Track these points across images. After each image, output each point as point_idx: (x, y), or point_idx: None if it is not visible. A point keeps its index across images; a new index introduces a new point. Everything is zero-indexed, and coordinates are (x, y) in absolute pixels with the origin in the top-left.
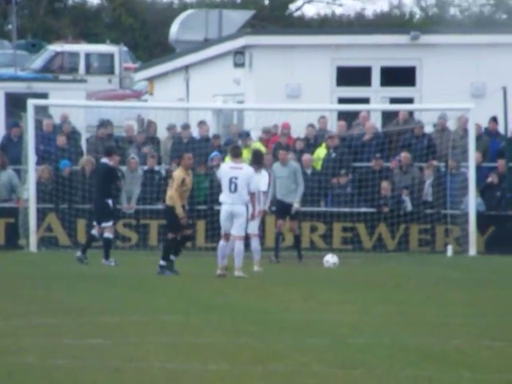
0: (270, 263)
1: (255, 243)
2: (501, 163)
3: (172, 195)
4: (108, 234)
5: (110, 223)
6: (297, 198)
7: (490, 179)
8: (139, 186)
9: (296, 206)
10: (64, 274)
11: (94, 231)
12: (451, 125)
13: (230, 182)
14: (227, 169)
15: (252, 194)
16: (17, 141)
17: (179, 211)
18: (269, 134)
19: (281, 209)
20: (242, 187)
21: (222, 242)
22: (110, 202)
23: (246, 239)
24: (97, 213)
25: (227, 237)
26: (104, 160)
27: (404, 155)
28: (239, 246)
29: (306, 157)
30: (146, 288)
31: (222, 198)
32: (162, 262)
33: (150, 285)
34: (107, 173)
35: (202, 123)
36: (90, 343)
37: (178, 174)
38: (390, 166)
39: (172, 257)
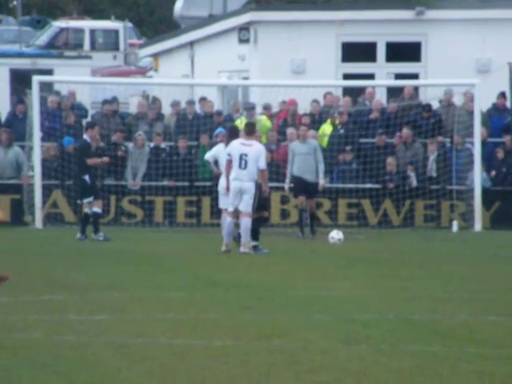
0: (296, 239)
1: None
2: (507, 139)
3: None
4: (96, 209)
5: (91, 199)
6: (321, 175)
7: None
8: (145, 162)
9: (322, 182)
10: (70, 251)
11: (87, 209)
12: (456, 100)
13: (241, 158)
14: (238, 145)
15: (262, 171)
16: (22, 117)
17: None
18: (268, 110)
19: (299, 186)
20: (251, 164)
21: (228, 219)
22: (86, 178)
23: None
24: (76, 190)
25: (235, 214)
26: (84, 136)
27: (405, 131)
28: (246, 222)
29: (310, 133)
30: (151, 264)
31: (232, 174)
32: (253, 243)
33: (155, 261)
34: (82, 149)
35: (203, 99)
36: (95, 319)
37: None
38: (394, 142)
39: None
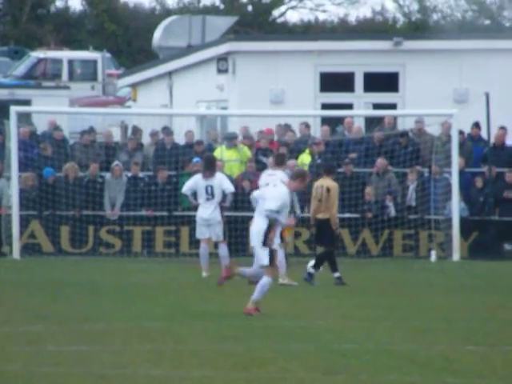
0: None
1: (222, 249)
2: (485, 169)
3: (332, 206)
4: None
5: None
6: (297, 205)
7: (505, 193)
8: (123, 192)
9: (298, 212)
10: (47, 281)
11: None
12: (434, 130)
13: None
14: (265, 176)
15: None
16: None
17: (336, 223)
18: (249, 140)
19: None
20: None
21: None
22: None
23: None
24: None
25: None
26: None
27: (380, 161)
28: (281, 254)
29: (291, 162)
30: (129, 295)
31: None
32: (311, 270)
33: (133, 291)
34: None
35: (165, 129)
36: (74, 350)
37: (335, 184)
38: (372, 171)
39: (311, 269)
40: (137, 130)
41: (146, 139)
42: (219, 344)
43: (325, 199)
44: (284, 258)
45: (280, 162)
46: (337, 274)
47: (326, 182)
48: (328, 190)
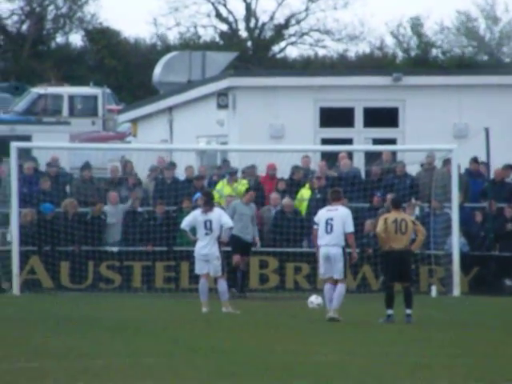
0: (233, 298)
1: (221, 285)
2: (485, 204)
3: (420, 242)
4: None
5: None
6: (257, 235)
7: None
8: (121, 220)
9: (258, 243)
10: (47, 317)
11: None
12: (415, 168)
13: (327, 223)
14: (324, 212)
15: (349, 234)
16: None
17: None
18: (235, 176)
19: (239, 245)
20: (337, 228)
21: (327, 286)
22: None
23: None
24: None
25: (330, 280)
26: None
27: (390, 197)
28: (341, 288)
29: (286, 201)
30: (129, 330)
31: (319, 241)
32: (408, 311)
33: (133, 327)
34: None
35: (172, 165)
36: None
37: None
38: (374, 203)
39: (408, 311)
40: (127, 163)
41: (145, 174)
42: (220, 380)
43: (410, 232)
44: (227, 287)
45: (337, 197)
46: (408, 311)
47: (404, 216)
48: (413, 222)
